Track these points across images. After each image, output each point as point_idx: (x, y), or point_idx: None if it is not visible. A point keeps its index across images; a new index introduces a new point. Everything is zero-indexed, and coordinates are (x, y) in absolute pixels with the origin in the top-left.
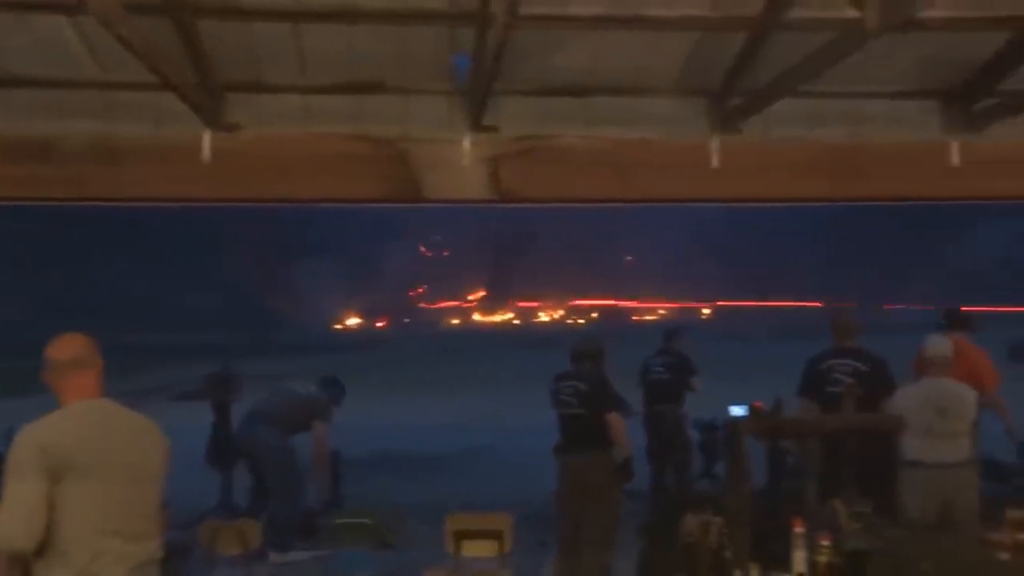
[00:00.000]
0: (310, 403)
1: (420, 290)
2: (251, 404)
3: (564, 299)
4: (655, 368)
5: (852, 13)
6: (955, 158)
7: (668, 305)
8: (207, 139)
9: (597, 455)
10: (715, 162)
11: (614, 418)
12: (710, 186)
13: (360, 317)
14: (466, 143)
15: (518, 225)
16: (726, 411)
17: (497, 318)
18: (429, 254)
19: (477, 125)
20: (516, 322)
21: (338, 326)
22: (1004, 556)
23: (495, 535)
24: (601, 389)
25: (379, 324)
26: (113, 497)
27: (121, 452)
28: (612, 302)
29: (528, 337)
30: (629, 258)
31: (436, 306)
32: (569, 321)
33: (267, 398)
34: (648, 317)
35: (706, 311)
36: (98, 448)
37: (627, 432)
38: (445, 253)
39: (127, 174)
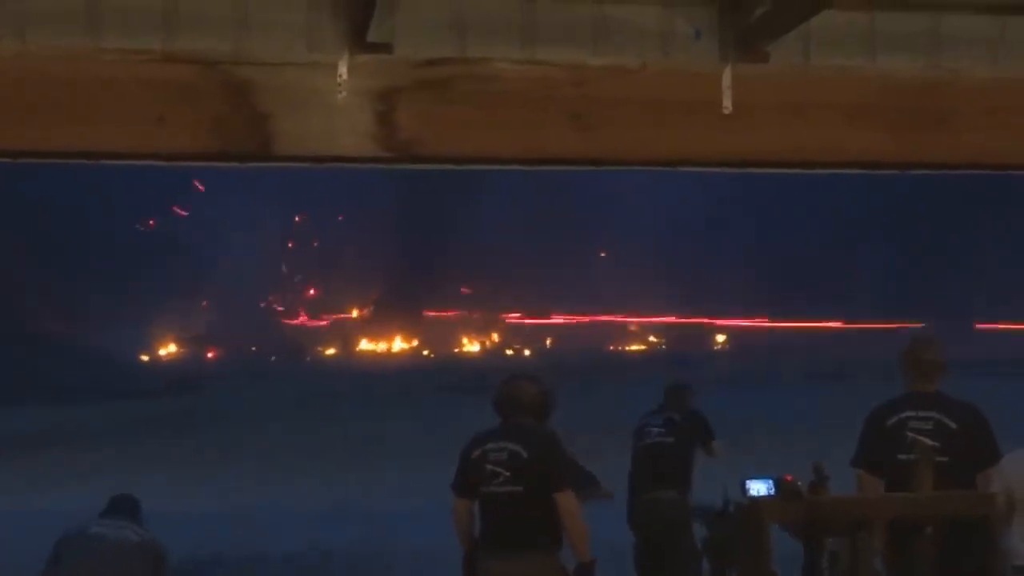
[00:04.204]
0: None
1: (275, 301)
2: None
3: (499, 315)
4: (653, 427)
5: None
6: None
7: (655, 320)
8: None
9: (539, 557)
10: (726, 104)
11: (566, 500)
12: (719, 141)
13: (181, 343)
14: (341, 69)
15: (428, 200)
16: (741, 489)
17: (396, 345)
18: (291, 245)
19: (359, 41)
20: (426, 352)
21: (146, 356)
22: None
23: None
24: (548, 455)
25: (210, 354)
26: None
27: None
28: (575, 318)
29: (444, 375)
30: (603, 254)
31: (299, 324)
32: (508, 351)
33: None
34: (634, 347)
35: (720, 338)
36: None
37: (585, 520)
38: (315, 244)
39: None
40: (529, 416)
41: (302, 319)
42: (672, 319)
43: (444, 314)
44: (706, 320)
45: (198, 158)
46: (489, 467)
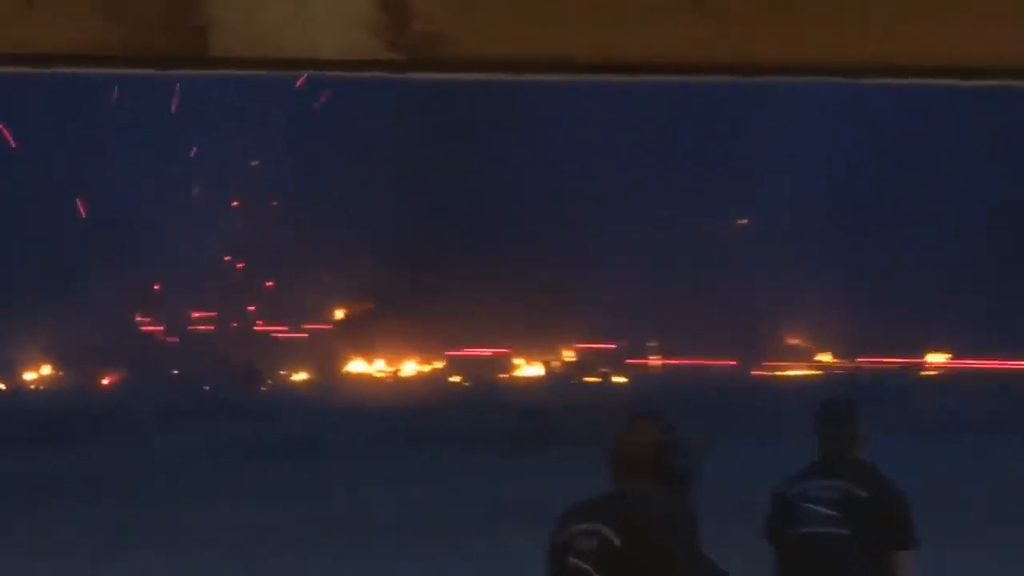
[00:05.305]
0: None
1: (209, 298)
2: None
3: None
4: (817, 504)
5: None
6: None
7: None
8: None
9: None
10: None
11: None
12: (932, 36)
13: (59, 363)
14: None
15: (458, 133)
16: None
17: (407, 367)
18: (236, 205)
19: None
20: (456, 379)
21: (1, 384)
22: None
23: None
24: (653, 544)
25: (105, 380)
26: None
27: None
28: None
29: (486, 415)
30: (742, 221)
31: (249, 334)
32: (590, 378)
33: None
34: (793, 370)
35: (936, 358)
36: None
37: None
38: (273, 203)
39: None
40: (646, 479)
41: (254, 327)
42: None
43: (480, 350)
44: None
45: (89, 62)
46: (573, 561)
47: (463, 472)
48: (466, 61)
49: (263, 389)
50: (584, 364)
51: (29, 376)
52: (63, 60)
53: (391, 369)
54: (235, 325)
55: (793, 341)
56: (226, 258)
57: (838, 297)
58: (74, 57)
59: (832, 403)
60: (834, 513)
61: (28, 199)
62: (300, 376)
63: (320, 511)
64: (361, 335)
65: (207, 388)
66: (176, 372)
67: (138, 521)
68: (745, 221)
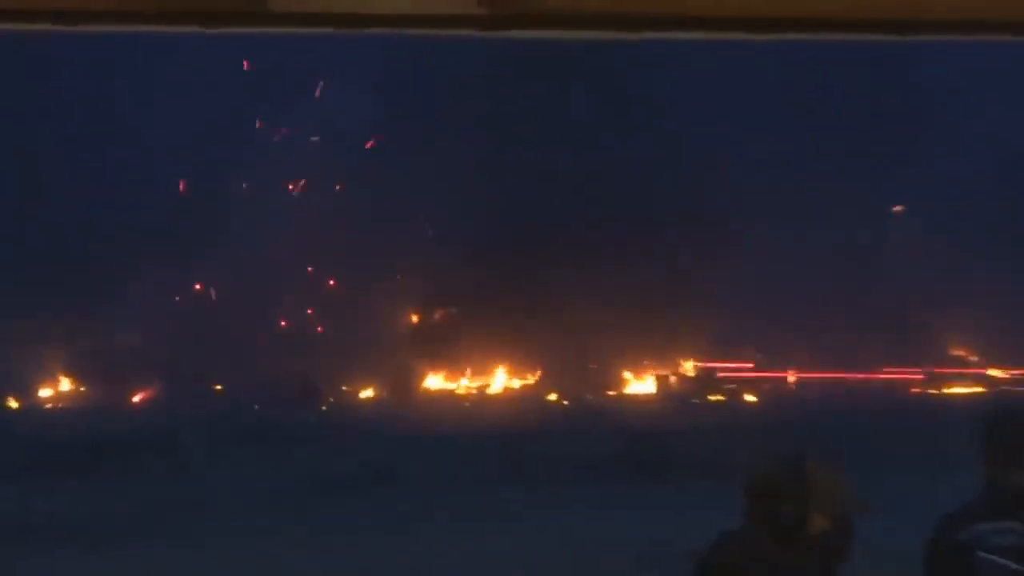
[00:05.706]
0: None
1: (260, 298)
2: None
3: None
4: (996, 560)
5: None
6: None
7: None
8: None
9: None
10: None
11: None
12: None
13: (81, 377)
14: None
15: (554, 106)
16: None
17: (496, 382)
18: (292, 190)
19: None
20: (553, 396)
21: (15, 402)
22: None
23: None
24: None
25: (136, 397)
26: None
27: None
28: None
29: (588, 438)
30: (896, 208)
31: (306, 342)
32: (713, 396)
33: None
34: (957, 387)
35: None
36: None
37: None
38: (336, 187)
39: None
40: (754, 521)
41: (314, 332)
42: None
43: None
44: None
45: (128, 19)
46: None
47: (573, 508)
48: (565, 17)
49: (323, 408)
50: (706, 380)
51: (44, 392)
52: (99, 18)
53: (476, 385)
54: (290, 333)
55: (957, 353)
56: (278, 253)
57: (1010, 300)
58: (111, 14)
59: (1002, 421)
60: (1020, 568)
61: (38, 192)
62: (367, 393)
63: (403, 559)
64: (440, 342)
65: (256, 407)
66: (219, 387)
67: (178, 570)
68: (900, 208)
